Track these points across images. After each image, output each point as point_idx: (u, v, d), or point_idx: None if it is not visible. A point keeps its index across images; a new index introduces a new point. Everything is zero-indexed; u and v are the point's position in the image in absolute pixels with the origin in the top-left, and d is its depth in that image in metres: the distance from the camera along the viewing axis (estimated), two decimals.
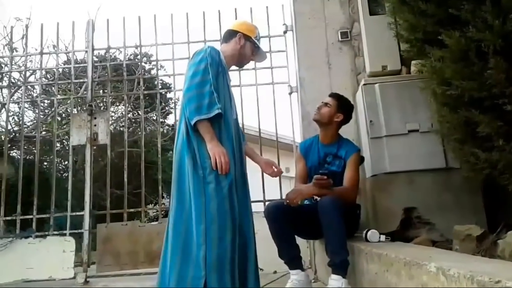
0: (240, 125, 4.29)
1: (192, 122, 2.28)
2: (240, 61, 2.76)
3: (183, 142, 2.36)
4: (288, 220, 2.72)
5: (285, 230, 2.73)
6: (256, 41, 2.74)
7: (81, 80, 5.44)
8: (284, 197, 3.81)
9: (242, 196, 2.44)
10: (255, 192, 4.06)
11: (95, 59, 5.23)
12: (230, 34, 2.71)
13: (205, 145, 2.30)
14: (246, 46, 2.69)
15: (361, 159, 3.08)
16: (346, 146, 3.01)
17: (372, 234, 2.52)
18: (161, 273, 2.29)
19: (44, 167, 8.68)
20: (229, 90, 2.56)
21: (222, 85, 2.46)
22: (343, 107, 3.02)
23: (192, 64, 2.44)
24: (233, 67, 2.89)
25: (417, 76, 3.02)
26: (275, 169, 2.78)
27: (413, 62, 3.17)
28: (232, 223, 2.24)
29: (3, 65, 7.63)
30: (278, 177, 4.09)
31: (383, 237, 2.53)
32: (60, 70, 6.56)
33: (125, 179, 4.44)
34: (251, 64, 4.29)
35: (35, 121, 8.30)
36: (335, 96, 3.08)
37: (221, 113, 2.32)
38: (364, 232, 2.57)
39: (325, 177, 2.70)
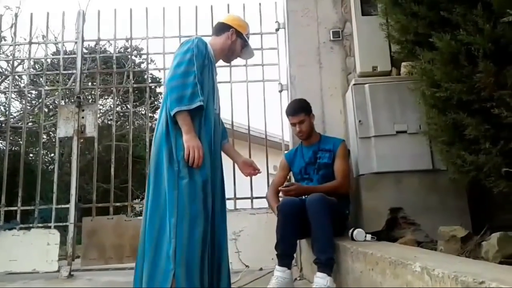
0: (230, 122, 4.33)
1: (172, 113, 2.24)
2: (229, 56, 2.73)
3: (162, 133, 2.33)
4: (299, 219, 2.71)
5: (292, 227, 2.72)
6: (246, 38, 2.73)
7: (70, 72, 5.41)
8: None
9: (218, 193, 2.42)
10: (243, 189, 4.08)
11: (85, 50, 5.18)
12: (222, 28, 2.69)
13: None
14: (237, 42, 2.68)
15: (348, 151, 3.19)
16: (331, 139, 3.21)
17: (358, 233, 2.54)
18: (137, 266, 2.27)
19: (30, 158, 8.61)
20: (213, 84, 2.52)
21: (207, 78, 2.43)
22: (308, 109, 3.19)
23: (178, 53, 2.41)
24: (222, 63, 2.89)
25: (407, 78, 3.03)
26: (253, 170, 2.71)
27: (403, 63, 3.18)
28: (204, 219, 2.22)
29: None
30: (266, 175, 4.13)
31: (369, 236, 2.54)
32: (49, 60, 6.49)
33: (112, 173, 4.42)
34: (242, 61, 4.29)
35: (21, 112, 8.21)
36: (296, 109, 3.17)
37: (203, 106, 2.30)
38: (350, 231, 2.59)
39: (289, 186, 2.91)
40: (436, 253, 2.14)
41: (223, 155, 2.62)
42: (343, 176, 3.00)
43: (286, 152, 3.56)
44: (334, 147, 3.10)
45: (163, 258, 2.15)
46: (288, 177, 3.44)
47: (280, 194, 3.09)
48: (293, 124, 3.19)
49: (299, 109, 3.14)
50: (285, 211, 2.74)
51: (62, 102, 7.82)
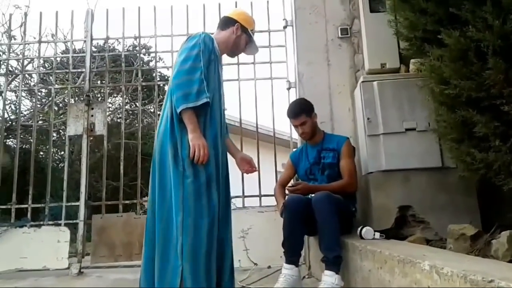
0: (238, 120, 4.33)
1: (179, 110, 2.22)
2: (233, 50, 2.70)
3: (165, 129, 2.32)
4: (305, 216, 2.70)
5: (299, 224, 2.72)
6: (251, 33, 2.71)
7: (79, 70, 5.45)
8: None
9: (223, 190, 2.42)
10: (251, 187, 4.08)
11: (94, 49, 5.21)
12: (228, 22, 2.67)
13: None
14: (241, 37, 2.65)
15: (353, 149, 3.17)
16: (335, 138, 3.18)
17: (367, 231, 2.53)
18: (144, 264, 2.29)
19: (40, 156, 8.67)
20: (219, 79, 2.50)
21: (212, 73, 2.41)
22: (310, 109, 3.15)
23: (184, 48, 2.39)
24: (230, 61, 2.87)
25: (415, 75, 3.01)
26: (251, 167, 2.70)
27: (412, 60, 3.16)
28: (209, 217, 2.22)
29: (0, 53, 7.59)
30: (274, 173, 4.14)
31: (377, 235, 2.54)
32: (58, 59, 6.52)
33: (121, 171, 4.44)
34: (250, 58, 4.30)
35: (32, 110, 8.28)
36: (296, 111, 3.13)
37: (209, 102, 2.29)
38: (359, 229, 2.58)
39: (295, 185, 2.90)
40: (445, 251, 2.13)
41: None
42: (350, 175, 2.98)
43: (292, 152, 3.54)
44: (338, 145, 3.07)
45: (172, 256, 2.17)
46: (295, 176, 3.43)
47: (287, 191, 3.09)
48: (295, 126, 3.18)
49: (300, 111, 3.11)
50: (291, 208, 2.74)
51: (72, 101, 7.86)
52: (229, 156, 2.60)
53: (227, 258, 2.38)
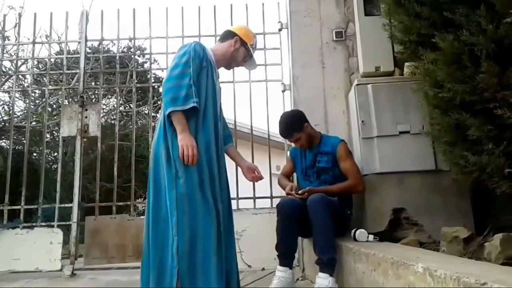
0: (232, 122, 4.32)
1: (167, 113, 2.29)
2: (229, 63, 2.75)
3: (159, 133, 2.38)
4: (298, 219, 2.71)
5: (292, 227, 2.73)
6: (251, 48, 2.75)
7: (73, 71, 5.42)
8: (273, 194, 3.91)
9: (225, 196, 2.45)
10: (245, 189, 4.08)
11: (88, 50, 5.20)
12: (228, 35, 2.73)
13: None
14: (239, 50, 2.71)
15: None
16: (329, 140, 3.13)
17: (361, 233, 2.54)
18: (143, 266, 2.29)
19: (34, 157, 8.63)
20: (213, 86, 2.52)
21: (204, 80, 2.45)
22: (300, 124, 3.07)
23: (175, 57, 2.46)
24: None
25: (409, 78, 3.03)
26: (256, 174, 2.74)
27: (406, 64, 3.18)
28: (205, 216, 2.24)
29: None
30: (269, 175, 4.13)
31: (371, 237, 2.54)
32: (52, 60, 6.50)
33: (115, 172, 4.43)
34: None
35: (25, 111, 8.24)
36: (285, 133, 3.11)
37: (197, 107, 2.32)
38: (353, 231, 2.58)
39: (302, 194, 2.83)
40: (439, 254, 2.14)
41: (226, 158, 2.63)
42: (354, 175, 2.95)
43: (291, 147, 3.53)
44: (333, 149, 3.02)
45: (169, 257, 2.19)
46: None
47: (287, 190, 3.05)
48: (291, 142, 3.18)
49: (289, 132, 3.07)
50: (284, 212, 2.74)
51: (66, 102, 7.85)
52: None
53: (233, 261, 2.42)
